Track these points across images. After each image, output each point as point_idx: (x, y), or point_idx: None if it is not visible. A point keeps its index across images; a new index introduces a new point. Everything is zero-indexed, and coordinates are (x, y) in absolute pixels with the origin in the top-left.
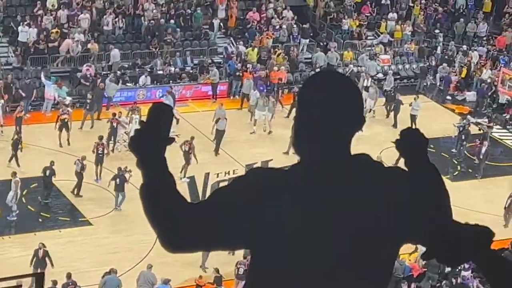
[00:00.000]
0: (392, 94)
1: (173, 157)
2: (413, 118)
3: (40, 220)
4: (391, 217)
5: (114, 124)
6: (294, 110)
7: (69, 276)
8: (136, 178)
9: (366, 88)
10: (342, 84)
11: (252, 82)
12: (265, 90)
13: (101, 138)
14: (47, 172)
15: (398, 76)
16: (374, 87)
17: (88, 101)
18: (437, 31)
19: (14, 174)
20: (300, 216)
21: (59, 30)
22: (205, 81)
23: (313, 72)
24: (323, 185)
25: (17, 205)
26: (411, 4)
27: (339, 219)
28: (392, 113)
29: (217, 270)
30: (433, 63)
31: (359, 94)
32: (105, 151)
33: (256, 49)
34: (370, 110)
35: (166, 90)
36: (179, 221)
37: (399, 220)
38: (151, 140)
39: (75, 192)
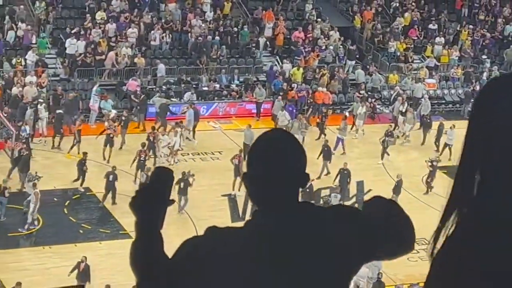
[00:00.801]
0: (428, 120)
1: (222, 171)
2: (448, 146)
3: (81, 231)
4: (341, 260)
5: (151, 138)
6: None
7: None
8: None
9: (403, 113)
10: (288, 144)
11: (282, 103)
12: (294, 111)
13: (143, 145)
14: (110, 177)
15: (444, 101)
16: (412, 112)
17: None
18: (484, 56)
19: (34, 186)
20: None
21: (106, 43)
22: (250, 99)
23: (358, 94)
24: (266, 249)
25: (36, 218)
26: (458, 29)
27: (286, 283)
28: (427, 139)
29: None
30: (478, 88)
31: (303, 152)
32: (146, 158)
33: (301, 69)
34: (404, 134)
35: (188, 104)
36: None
37: (348, 259)
38: (153, 203)
39: (112, 202)
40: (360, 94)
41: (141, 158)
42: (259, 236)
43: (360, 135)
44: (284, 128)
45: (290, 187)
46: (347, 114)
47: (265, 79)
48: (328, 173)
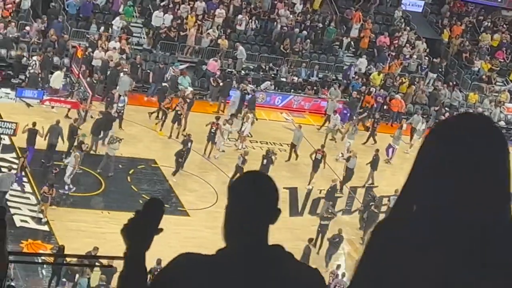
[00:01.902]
0: None
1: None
2: None
3: (140, 201)
4: None
5: (213, 129)
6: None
7: (158, 262)
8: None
9: None
10: (263, 183)
11: (336, 104)
12: (348, 115)
13: (217, 118)
14: (189, 144)
15: None
16: None
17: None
18: None
19: (79, 146)
20: None
21: (194, 20)
22: (326, 96)
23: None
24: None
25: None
26: None
27: None
28: None
29: None
30: None
31: (276, 191)
32: (218, 131)
33: (382, 75)
34: None
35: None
36: None
37: None
38: (144, 234)
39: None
40: (436, 108)
41: (212, 131)
42: (225, 269)
43: (413, 151)
44: (331, 133)
45: (261, 224)
46: (404, 124)
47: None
48: (372, 184)
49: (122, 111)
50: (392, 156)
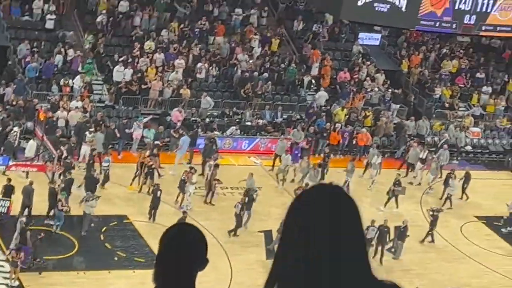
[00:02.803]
0: (435, 164)
1: (262, 206)
2: (449, 196)
3: (115, 258)
4: None
5: (184, 177)
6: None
7: None
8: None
9: (422, 160)
10: (191, 235)
11: (286, 144)
12: (299, 155)
13: (191, 168)
14: (158, 193)
15: (487, 151)
16: (436, 163)
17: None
18: None
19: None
20: None
21: (154, 72)
22: (287, 140)
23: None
24: None
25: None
26: (506, 79)
27: None
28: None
29: None
30: None
31: (204, 241)
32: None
33: (345, 110)
34: (419, 183)
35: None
36: None
37: None
38: (178, 273)
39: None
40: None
41: (183, 178)
42: None
43: (373, 187)
44: (282, 173)
45: (188, 272)
46: (355, 157)
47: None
48: None
49: (107, 171)
50: (347, 190)
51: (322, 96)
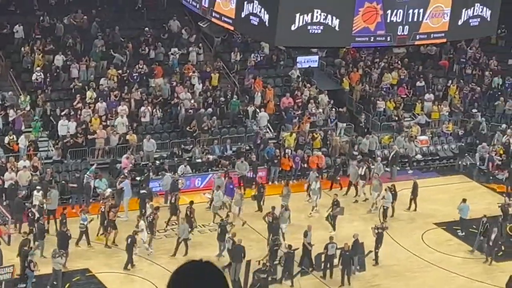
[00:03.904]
0: (377, 181)
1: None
2: (385, 211)
3: None
4: None
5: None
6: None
7: None
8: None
9: (362, 177)
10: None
11: (222, 180)
12: (234, 189)
13: (157, 208)
14: (129, 240)
15: (437, 157)
16: (378, 179)
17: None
18: (474, 110)
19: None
20: None
21: (98, 122)
22: (234, 173)
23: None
24: None
25: None
26: (447, 85)
27: None
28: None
29: None
30: (470, 141)
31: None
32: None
33: (294, 135)
34: (364, 199)
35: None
36: None
37: None
38: None
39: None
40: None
41: (150, 219)
42: None
43: (317, 211)
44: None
45: None
46: (290, 181)
47: (258, 148)
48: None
49: (84, 228)
50: (286, 214)
51: (263, 117)
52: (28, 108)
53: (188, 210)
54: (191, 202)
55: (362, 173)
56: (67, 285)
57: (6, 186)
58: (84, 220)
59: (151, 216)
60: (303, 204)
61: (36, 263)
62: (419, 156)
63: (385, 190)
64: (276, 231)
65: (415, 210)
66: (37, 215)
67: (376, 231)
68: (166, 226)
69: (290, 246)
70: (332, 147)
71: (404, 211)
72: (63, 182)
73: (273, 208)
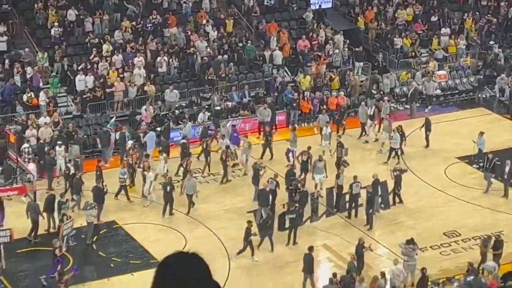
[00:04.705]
0: (388, 121)
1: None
2: (394, 151)
3: (111, 265)
4: None
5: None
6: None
7: None
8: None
9: (371, 117)
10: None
11: (229, 130)
12: (239, 138)
13: (147, 156)
14: (168, 188)
15: (456, 91)
16: (388, 119)
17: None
18: (491, 42)
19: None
20: None
21: (115, 75)
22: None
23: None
24: None
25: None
26: (463, 18)
27: None
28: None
29: None
30: (489, 73)
31: (206, 267)
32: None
33: (308, 77)
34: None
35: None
36: None
37: None
38: None
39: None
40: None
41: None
42: None
43: (327, 157)
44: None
45: None
46: (296, 125)
47: (276, 92)
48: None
49: (124, 182)
50: (293, 160)
51: (278, 55)
52: (46, 64)
53: (224, 154)
54: (227, 147)
55: (371, 113)
56: (95, 237)
57: (29, 144)
58: (123, 174)
59: (185, 162)
60: (317, 149)
61: (70, 216)
62: (438, 91)
63: (393, 130)
64: (306, 170)
65: (426, 147)
66: (72, 170)
67: (395, 173)
68: (203, 173)
69: (302, 185)
70: (352, 87)
71: (423, 148)
72: (85, 136)
73: (309, 148)
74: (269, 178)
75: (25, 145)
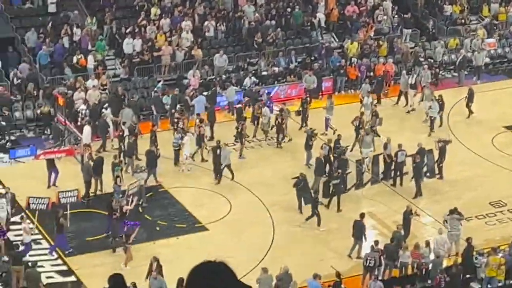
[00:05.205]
0: (428, 90)
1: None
2: (431, 119)
3: (157, 228)
4: None
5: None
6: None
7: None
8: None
9: (412, 86)
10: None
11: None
12: (272, 106)
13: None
14: (218, 151)
15: (505, 59)
16: (429, 88)
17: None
18: None
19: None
20: None
21: (163, 38)
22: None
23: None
24: None
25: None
26: None
27: None
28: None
29: (338, 275)
30: None
31: (233, 274)
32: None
33: (355, 43)
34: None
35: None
36: None
37: None
38: None
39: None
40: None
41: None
42: None
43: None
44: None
45: None
46: (335, 94)
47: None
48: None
49: (177, 147)
50: (326, 129)
51: (321, 19)
52: (94, 28)
53: (279, 118)
54: (281, 110)
55: (412, 82)
56: (140, 201)
57: (86, 106)
58: (178, 139)
59: (240, 127)
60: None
61: (123, 179)
62: (487, 60)
63: (432, 100)
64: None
65: (468, 117)
66: (126, 132)
67: (439, 144)
68: (254, 136)
69: (344, 153)
70: (403, 54)
71: (466, 118)
72: (133, 99)
73: (362, 113)
74: (323, 143)
75: (82, 106)
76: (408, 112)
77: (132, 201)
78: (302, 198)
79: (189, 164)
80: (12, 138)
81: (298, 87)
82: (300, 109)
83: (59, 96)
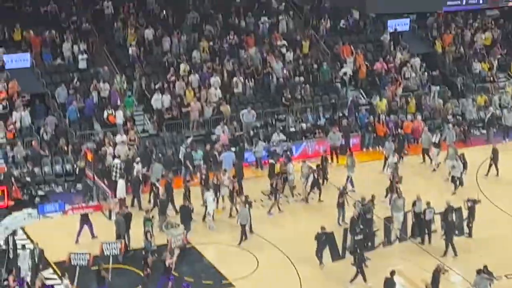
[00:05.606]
0: (453, 149)
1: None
2: (455, 179)
3: (184, 284)
4: None
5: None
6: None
7: None
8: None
9: (436, 145)
10: None
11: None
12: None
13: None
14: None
15: None
16: (453, 147)
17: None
18: None
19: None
20: None
21: (192, 94)
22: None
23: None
24: None
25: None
26: None
27: None
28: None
29: None
30: None
31: None
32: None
33: (384, 100)
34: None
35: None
36: None
37: None
38: None
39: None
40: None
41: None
42: None
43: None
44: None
45: None
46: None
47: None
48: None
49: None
50: (352, 186)
51: (347, 70)
52: (124, 86)
53: (315, 173)
54: (318, 166)
55: (436, 141)
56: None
57: (120, 159)
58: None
59: (275, 182)
60: (381, 177)
61: (153, 235)
62: None
63: (456, 159)
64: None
65: (497, 175)
66: (161, 190)
67: (469, 204)
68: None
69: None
70: (437, 111)
71: (495, 176)
72: (161, 155)
73: (401, 178)
74: (356, 201)
75: (116, 160)
76: (434, 170)
77: (174, 253)
78: (330, 254)
79: (210, 221)
80: (41, 193)
81: (325, 143)
82: (320, 165)
83: (87, 152)
